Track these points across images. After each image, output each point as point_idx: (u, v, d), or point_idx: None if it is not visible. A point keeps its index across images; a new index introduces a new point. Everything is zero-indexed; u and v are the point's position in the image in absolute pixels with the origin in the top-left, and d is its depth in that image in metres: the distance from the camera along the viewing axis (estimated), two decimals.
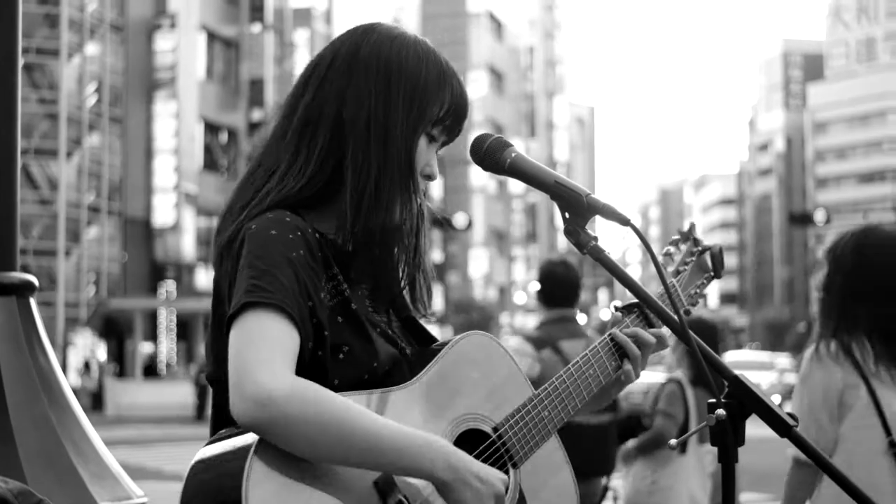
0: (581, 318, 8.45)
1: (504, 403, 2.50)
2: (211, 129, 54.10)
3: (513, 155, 2.47)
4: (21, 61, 4.12)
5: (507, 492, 2.35)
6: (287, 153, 2.47)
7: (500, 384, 2.51)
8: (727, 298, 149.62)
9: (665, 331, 2.65)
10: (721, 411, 2.22)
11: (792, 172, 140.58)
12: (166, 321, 47.36)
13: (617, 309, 2.68)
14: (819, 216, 47.42)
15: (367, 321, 2.43)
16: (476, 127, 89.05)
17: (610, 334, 2.65)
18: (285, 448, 2.18)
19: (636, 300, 2.63)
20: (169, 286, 48.13)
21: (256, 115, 55.38)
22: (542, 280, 7.49)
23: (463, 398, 2.44)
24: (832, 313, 4.43)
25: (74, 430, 3.92)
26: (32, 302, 4.07)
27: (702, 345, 2.30)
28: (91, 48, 47.33)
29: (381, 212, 2.42)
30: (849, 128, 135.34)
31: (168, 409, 38.36)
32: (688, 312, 2.82)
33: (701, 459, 7.83)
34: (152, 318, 47.32)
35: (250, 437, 2.20)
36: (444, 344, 2.49)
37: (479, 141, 2.51)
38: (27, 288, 4.06)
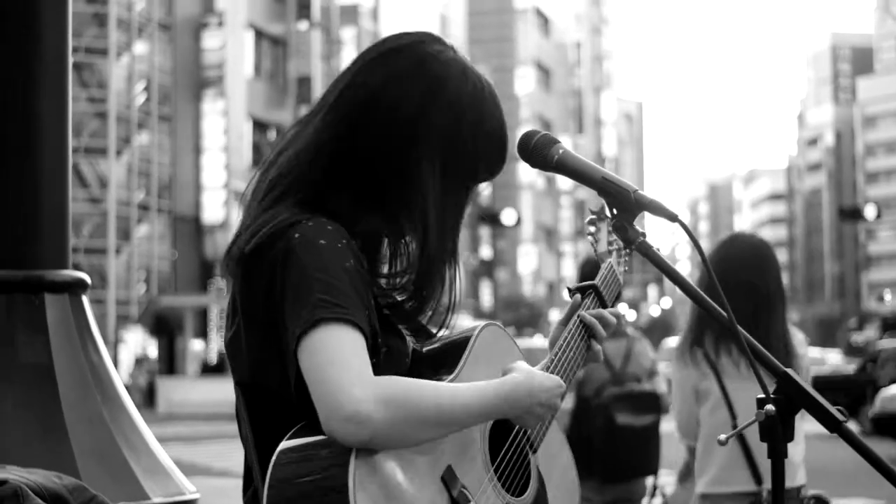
0: (630, 315, 8.44)
1: None
2: (259, 126, 54.26)
3: (560, 151, 2.47)
4: (70, 60, 4.15)
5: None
6: (328, 169, 2.46)
7: None
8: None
9: (620, 311, 2.72)
10: (770, 407, 2.22)
11: (842, 167, 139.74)
12: (217, 318, 47.57)
13: (573, 291, 2.71)
14: (869, 211, 47.06)
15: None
16: (524, 123, 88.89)
17: (578, 316, 2.66)
18: (394, 447, 2.22)
19: (590, 282, 2.72)
20: (219, 283, 48.26)
21: (304, 112, 55.19)
22: (584, 279, 7.46)
23: None
24: (695, 314, 5.20)
25: (127, 427, 3.95)
26: (85, 299, 4.10)
27: (750, 340, 2.30)
28: (139, 47, 47.55)
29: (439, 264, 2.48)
30: None
31: (219, 405, 38.51)
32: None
33: None
34: (202, 315, 47.50)
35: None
36: (463, 334, 2.55)
37: (527, 137, 2.51)
38: (79, 286, 4.09)
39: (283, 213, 2.36)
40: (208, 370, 45.35)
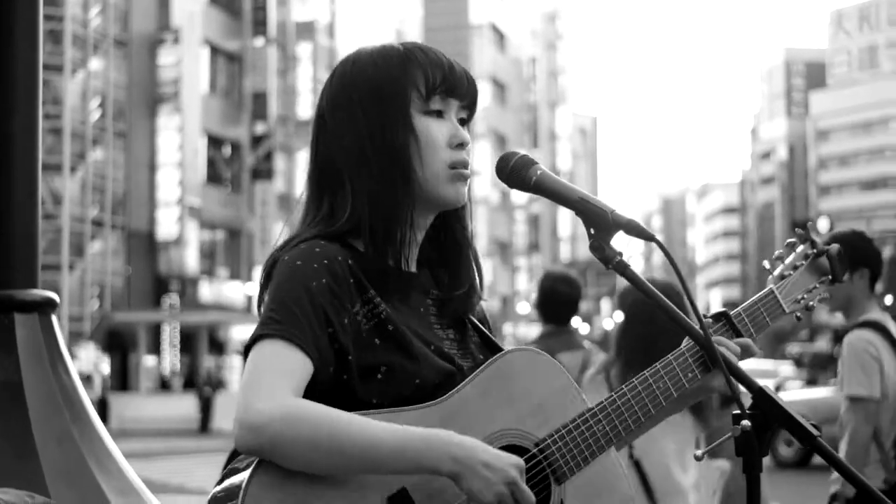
0: (583, 328, 8.53)
1: (551, 419, 2.48)
2: (214, 142, 54.13)
3: (538, 173, 2.51)
4: (41, 79, 4.15)
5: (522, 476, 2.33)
6: (315, 200, 2.57)
7: (548, 400, 2.49)
8: (731, 307, 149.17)
9: (748, 341, 2.61)
10: (746, 422, 2.26)
11: (794, 180, 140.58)
12: (170, 334, 47.40)
13: (705, 317, 2.59)
14: (822, 224, 47.45)
15: (415, 338, 2.46)
16: (479, 138, 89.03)
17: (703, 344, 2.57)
18: (288, 467, 2.26)
19: (723, 310, 2.66)
20: (173, 299, 48.15)
21: (260, 128, 55.45)
22: (543, 297, 7.46)
23: (502, 414, 2.44)
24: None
25: (97, 446, 3.95)
26: (54, 319, 4.11)
27: (728, 359, 2.34)
28: (94, 63, 47.39)
29: (393, 221, 2.49)
30: (851, 135, 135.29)
31: (172, 422, 38.36)
32: (799, 318, 2.75)
33: (706, 476, 7.79)
34: (156, 331, 47.35)
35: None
36: (491, 358, 2.50)
37: (506, 159, 2.55)
38: (49, 305, 4.10)
39: (303, 234, 2.51)
40: (164, 386, 45.23)
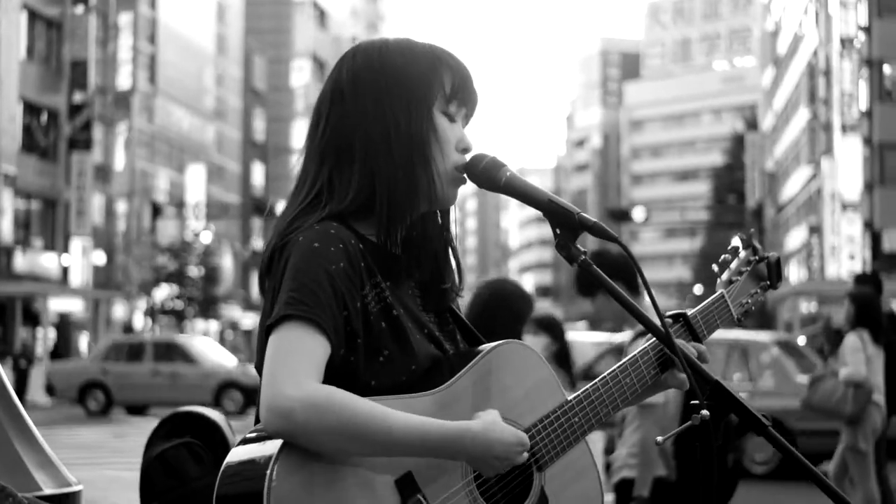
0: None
1: (535, 409, 2.63)
2: (31, 109, 53.03)
3: (507, 174, 2.64)
4: None
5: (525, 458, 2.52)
6: (322, 179, 2.64)
7: (532, 391, 2.64)
8: (542, 291, 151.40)
9: (703, 347, 2.74)
10: (705, 412, 2.46)
11: (608, 169, 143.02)
12: None
13: (664, 318, 2.71)
14: (638, 214, 48.40)
15: (410, 324, 2.60)
16: (298, 115, 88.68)
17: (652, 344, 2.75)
18: (312, 450, 2.37)
19: (681, 311, 2.82)
20: None
21: (78, 97, 54.48)
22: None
23: (493, 404, 2.57)
24: None
25: (16, 419, 4.00)
26: None
27: (687, 354, 2.54)
28: None
29: (407, 207, 2.60)
30: (664, 126, 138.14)
31: None
32: (740, 322, 2.90)
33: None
34: None
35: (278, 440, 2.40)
36: (482, 349, 2.64)
37: (477, 160, 2.66)
38: None
39: (311, 219, 2.57)
40: None
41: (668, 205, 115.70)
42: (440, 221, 2.75)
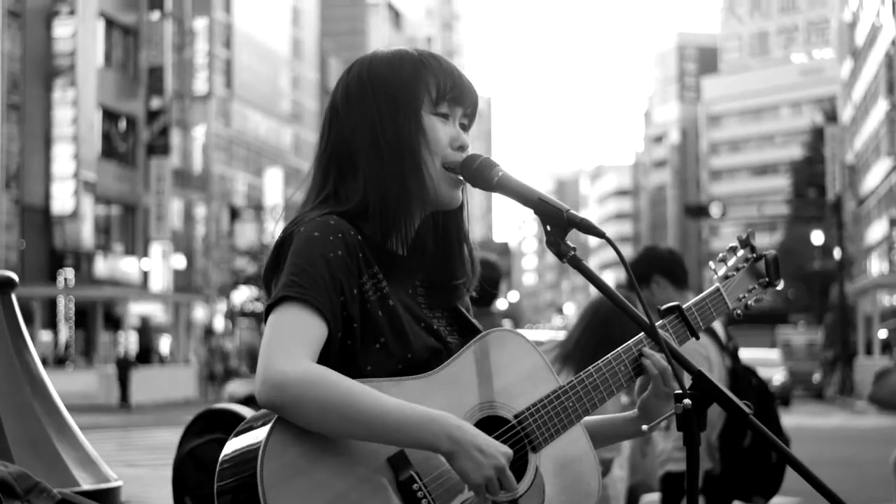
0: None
1: (528, 394, 2.74)
2: (110, 116, 53.72)
3: (500, 174, 2.72)
4: None
5: (509, 463, 2.56)
6: (328, 190, 2.76)
7: (525, 377, 2.76)
8: (623, 289, 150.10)
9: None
10: (687, 401, 2.54)
11: (686, 164, 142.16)
12: (65, 309, 47.04)
13: (659, 310, 2.87)
14: (715, 209, 48.12)
15: (407, 315, 2.71)
16: None
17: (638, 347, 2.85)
18: (302, 426, 2.48)
19: (675, 303, 2.92)
20: (68, 274, 47.79)
21: (155, 102, 55.12)
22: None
23: (485, 388, 2.70)
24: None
25: (56, 418, 4.15)
26: (13, 298, 4.28)
27: (669, 342, 2.62)
28: None
29: (401, 211, 2.71)
30: (742, 121, 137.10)
31: (69, 398, 38.11)
32: (739, 316, 3.02)
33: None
34: (51, 305, 46.95)
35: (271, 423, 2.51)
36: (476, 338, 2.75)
37: (470, 161, 2.75)
38: (8, 284, 4.28)
39: (314, 212, 2.70)
40: (59, 362, 44.85)
41: (748, 199, 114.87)
42: (456, 221, 2.85)
